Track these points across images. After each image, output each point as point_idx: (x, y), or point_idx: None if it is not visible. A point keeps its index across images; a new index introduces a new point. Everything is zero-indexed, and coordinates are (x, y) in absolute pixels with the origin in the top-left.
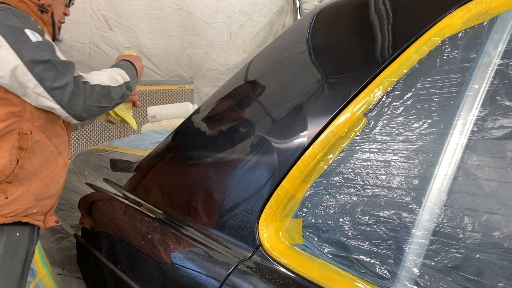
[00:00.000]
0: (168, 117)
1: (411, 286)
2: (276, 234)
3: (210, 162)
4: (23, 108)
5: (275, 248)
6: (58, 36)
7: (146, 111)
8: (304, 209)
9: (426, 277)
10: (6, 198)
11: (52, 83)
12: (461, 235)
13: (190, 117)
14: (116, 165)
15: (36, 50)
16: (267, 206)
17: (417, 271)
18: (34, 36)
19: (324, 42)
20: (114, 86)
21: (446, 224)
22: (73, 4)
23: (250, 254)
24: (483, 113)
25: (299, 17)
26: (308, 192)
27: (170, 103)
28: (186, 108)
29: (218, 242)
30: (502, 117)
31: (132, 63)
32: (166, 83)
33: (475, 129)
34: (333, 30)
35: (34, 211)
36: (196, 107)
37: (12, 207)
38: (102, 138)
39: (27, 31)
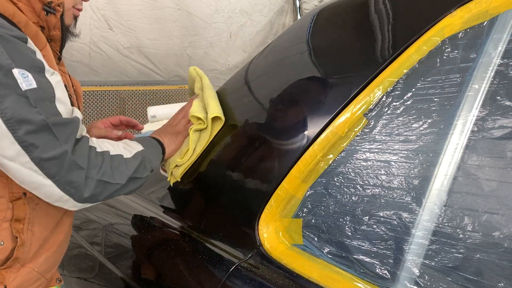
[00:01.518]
0: (168, 117)
1: (411, 286)
2: (276, 234)
3: (210, 163)
4: None
5: (275, 248)
6: (73, 30)
7: (146, 111)
8: (304, 209)
9: (426, 277)
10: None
11: (43, 153)
12: (461, 235)
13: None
14: None
15: (25, 104)
16: (267, 206)
17: (417, 271)
18: (24, 81)
19: (324, 42)
20: (125, 158)
21: (446, 224)
22: None
23: (250, 254)
24: (483, 113)
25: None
26: (308, 192)
27: (170, 103)
28: None
29: (218, 242)
30: (502, 117)
31: (158, 141)
32: (166, 83)
33: (475, 129)
34: (333, 30)
35: (40, 287)
36: None
37: None
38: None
39: (16, 71)
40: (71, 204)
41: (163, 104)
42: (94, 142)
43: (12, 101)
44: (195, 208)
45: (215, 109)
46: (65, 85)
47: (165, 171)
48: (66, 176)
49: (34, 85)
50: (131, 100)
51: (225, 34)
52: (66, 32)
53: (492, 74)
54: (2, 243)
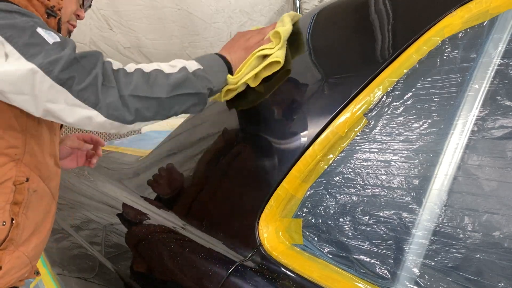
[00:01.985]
0: None
1: (411, 286)
2: (276, 234)
3: (210, 162)
4: (23, 148)
5: (275, 248)
6: None
7: None
8: (304, 209)
9: (426, 277)
10: (0, 268)
11: (79, 83)
12: (461, 235)
13: (190, 117)
14: (112, 165)
15: (56, 51)
16: (267, 206)
17: (417, 271)
18: (50, 36)
19: (324, 42)
20: (166, 73)
21: (446, 224)
22: (90, 7)
23: (250, 254)
24: (483, 113)
25: None
26: (308, 192)
27: None
28: None
29: (218, 241)
30: (502, 117)
31: (221, 56)
32: None
33: (475, 129)
34: (333, 30)
35: (26, 275)
36: None
37: (6, 279)
38: (103, 138)
39: (40, 30)
40: (127, 128)
41: None
42: (121, 65)
43: (45, 54)
44: (195, 208)
45: (279, 53)
46: None
47: None
48: (104, 100)
49: (58, 38)
50: None
51: (225, 34)
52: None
53: (492, 74)
54: (4, 223)
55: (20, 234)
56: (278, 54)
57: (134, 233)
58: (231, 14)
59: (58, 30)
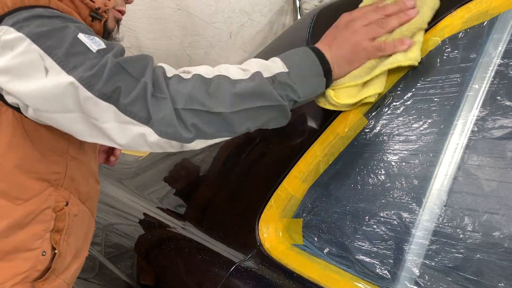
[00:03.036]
0: None
1: (411, 286)
2: (276, 234)
3: (210, 162)
4: (63, 172)
5: (275, 248)
6: (116, 35)
7: None
8: (304, 209)
9: (426, 277)
10: None
11: (126, 96)
12: (461, 235)
13: None
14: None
15: (99, 59)
16: (267, 206)
17: (417, 271)
18: (93, 43)
19: None
20: (233, 79)
21: (446, 224)
22: None
23: (250, 254)
24: (483, 113)
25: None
26: (308, 192)
27: None
28: None
29: (218, 241)
30: (502, 117)
31: (317, 51)
32: None
33: (475, 129)
34: None
35: None
36: None
37: None
38: None
39: (82, 36)
40: (187, 147)
41: None
42: (176, 71)
43: (88, 65)
44: (195, 208)
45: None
46: None
47: None
48: (156, 114)
49: (103, 45)
50: None
51: (225, 34)
52: (107, 38)
53: (492, 74)
54: (44, 253)
55: (63, 262)
56: (414, 54)
57: (134, 233)
58: (231, 14)
59: (104, 34)
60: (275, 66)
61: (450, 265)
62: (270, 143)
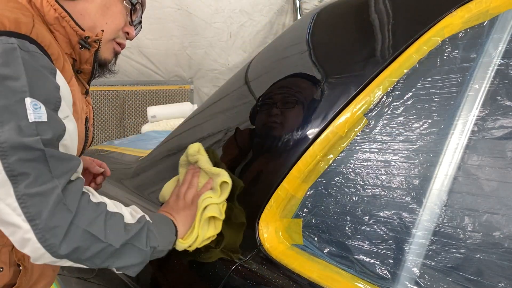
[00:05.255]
0: (168, 117)
1: (411, 286)
2: (276, 234)
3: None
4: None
5: (275, 248)
6: (112, 67)
7: (146, 111)
8: (304, 209)
9: (426, 277)
10: None
11: (31, 185)
12: (461, 235)
13: (190, 117)
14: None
15: (27, 131)
16: (267, 206)
17: (417, 271)
18: (34, 112)
19: (324, 42)
20: (129, 221)
21: (446, 224)
22: (140, 24)
23: (250, 254)
24: (483, 113)
25: (299, 17)
26: (308, 192)
27: (170, 103)
28: (186, 108)
29: (218, 241)
30: (502, 117)
31: (171, 220)
32: (166, 83)
33: (475, 129)
34: (333, 30)
35: None
36: (196, 107)
37: None
38: (102, 138)
39: (28, 101)
40: (52, 261)
41: (163, 104)
42: (90, 190)
43: (12, 127)
44: None
45: (222, 174)
46: (86, 117)
47: None
48: (47, 220)
49: (44, 118)
50: (131, 100)
51: (225, 34)
52: (97, 67)
53: (492, 74)
54: (1, 269)
55: (29, 279)
56: (214, 208)
57: None
58: (231, 14)
59: (93, 62)
60: (145, 217)
61: (450, 265)
62: (270, 143)
